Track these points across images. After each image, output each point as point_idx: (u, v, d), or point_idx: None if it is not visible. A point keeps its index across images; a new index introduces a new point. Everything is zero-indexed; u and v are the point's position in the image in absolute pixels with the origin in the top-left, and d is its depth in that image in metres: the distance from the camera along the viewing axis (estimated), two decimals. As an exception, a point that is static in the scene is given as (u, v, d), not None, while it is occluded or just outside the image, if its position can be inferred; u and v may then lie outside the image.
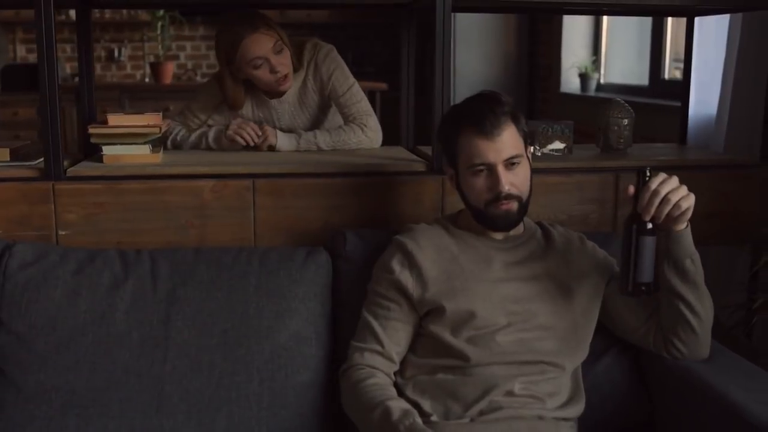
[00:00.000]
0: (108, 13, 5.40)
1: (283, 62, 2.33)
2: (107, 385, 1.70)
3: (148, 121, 2.12)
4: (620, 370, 1.83)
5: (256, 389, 1.73)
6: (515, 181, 1.67)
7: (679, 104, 3.37)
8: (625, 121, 2.35)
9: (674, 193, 1.58)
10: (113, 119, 2.11)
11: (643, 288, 1.62)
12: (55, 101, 1.95)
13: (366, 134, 2.38)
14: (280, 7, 2.83)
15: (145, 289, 1.80)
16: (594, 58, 4.98)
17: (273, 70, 2.32)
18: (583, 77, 4.92)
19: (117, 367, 1.72)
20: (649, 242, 1.61)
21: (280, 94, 2.44)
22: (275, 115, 2.47)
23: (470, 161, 1.68)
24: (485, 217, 1.71)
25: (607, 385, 1.80)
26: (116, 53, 5.90)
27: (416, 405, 1.63)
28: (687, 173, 2.20)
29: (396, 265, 1.72)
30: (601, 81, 4.97)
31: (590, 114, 2.37)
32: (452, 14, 2.09)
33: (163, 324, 1.76)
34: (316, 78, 2.44)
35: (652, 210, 1.58)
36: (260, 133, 2.31)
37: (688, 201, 1.59)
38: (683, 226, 1.63)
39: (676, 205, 1.58)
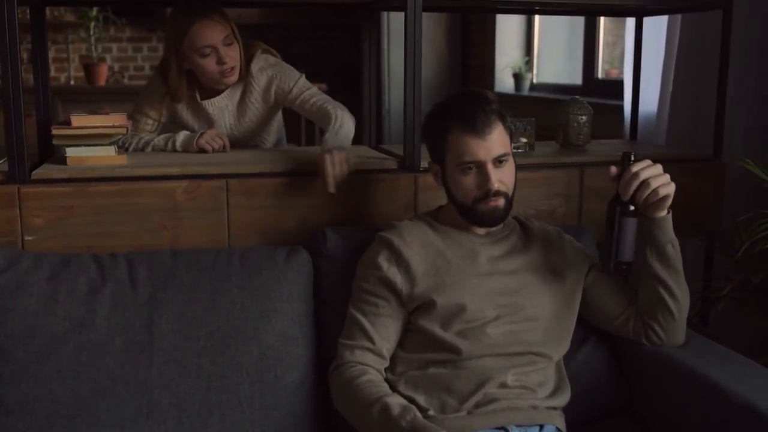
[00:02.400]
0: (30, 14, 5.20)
1: (232, 55, 2.25)
2: (93, 394, 1.65)
3: (114, 121, 2.06)
4: (599, 358, 1.88)
5: (247, 391, 1.71)
6: (503, 178, 1.71)
7: (613, 102, 3.52)
8: (584, 118, 2.42)
9: (655, 179, 1.65)
10: (77, 120, 2.04)
11: (624, 267, 1.68)
12: (19, 103, 1.88)
13: (344, 109, 2.18)
14: (241, 6, 2.82)
15: (124, 293, 1.76)
16: (527, 58, 5.09)
17: (220, 61, 2.23)
18: (517, 77, 5.01)
19: (102, 374, 1.67)
20: (630, 223, 1.67)
21: (216, 93, 2.34)
22: (209, 121, 2.37)
23: (460, 159, 1.69)
24: (473, 213, 1.73)
25: (588, 374, 1.85)
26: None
27: (411, 400, 1.64)
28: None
29: (383, 262, 1.73)
30: (534, 81, 5.08)
31: (525, 113, 2.42)
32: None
33: (146, 328, 1.72)
34: (254, 91, 2.34)
35: (630, 191, 1.64)
36: (228, 148, 2.22)
37: (668, 189, 1.66)
38: (664, 212, 1.70)
39: (654, 191, 1.65)
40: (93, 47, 5.14)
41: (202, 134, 2.27)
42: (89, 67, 5.11)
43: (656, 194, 1.65)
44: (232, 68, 2.26)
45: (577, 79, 4.73)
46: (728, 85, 2.38)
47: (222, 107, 2.36)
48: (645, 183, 1.64)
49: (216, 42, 2.22)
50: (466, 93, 1.77)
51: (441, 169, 1.76)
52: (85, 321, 1.71)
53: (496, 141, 1.68)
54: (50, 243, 1.90)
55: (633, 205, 1.66)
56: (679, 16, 3.02)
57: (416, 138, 2.10)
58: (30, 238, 1.90)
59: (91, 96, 4.91)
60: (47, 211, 1.91)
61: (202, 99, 2.35)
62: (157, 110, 2.37)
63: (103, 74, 5.09)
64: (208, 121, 2.37)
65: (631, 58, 3.35)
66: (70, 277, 1.75)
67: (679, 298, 1.75)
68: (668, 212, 1.71)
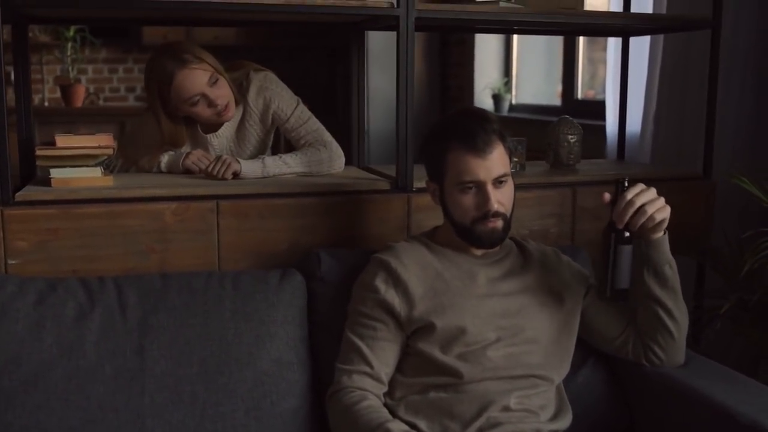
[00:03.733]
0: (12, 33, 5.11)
1: (221, 93, 2.17)
2: (83, 423, 1.59)
3: (99, 141, 2.01)
4: (599, 380, 1.85)
5: (242, 419, 1.66)
6: (502, 199, 1.68)
7: (593, 123, 3.53)
8: (575, 138, 2.41)
9: (650, 204, 1.62)
10: (61, 140, 1.99)
11: (621, 293, 1.66)
12: (2, 123, 1.83)
13: (332, 151, 2.22)
14: (221, 25, 2.79)
15: (114, 318, 1.70)
16: (506, 79, 5.11)
17: (212, 104, 2.16)
18: (497, 98, 5.03)
19: (91, 402, 1.61)
20: (626, 250, 1.65)
21: (218, 126, 2.29)
22: (212, 152, 2.31)
23: (459, 178, 1.67)
24: (471, 234, 1.70)
25: (588, 396, 1.82)
26: (12, 76, 5.60)
27: (412, 426, 1.60)
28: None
29: (380, 284, 1.69)
30: (513, 102, 5.09)
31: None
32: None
33: (137, 354, 1.67)
34: (252, 114, 2.28)
35: (626, 219, 1.61)
36: (219, 167, 2.13)
37: (663, 213, 1.64)
38: (660, 234, 1.68)
39: (651, 216, 1.62)
40: (70, 68, 5.06)
41: (188, 154, 2.22)
42: (66, 88, 5.01)
43: (652, 220, 1.62)
44: (226, 105, 2.19)
45: (554, 100, 4.76)
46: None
47: (227, 136, 2.30)
48: (641, 210, 1.61)
49: (202, 89, 2.14)
50: (466, 111, 1.74)
51: (439, 188, 1.73)
52: (73, 347, 1.65)
53: (496, 161, 1.66)
54: (34, 267, 1.85)
55: (628, 231, 1.63)
56: (661, 36, 3.04)
57: (408, 158, 2.08)
58: (13, 261, 1.84)
59: (66, 117, 4.82)
60: (32, 234, 1.85)
61: (205, 132, 2.28)
62: (150, 160, 2.26)
63: (80, 95, 5.01)
64: (210, 151, 2.30)
65: (612, 78, 3.39)
66: (57, 302, 1.70)
67: (678, 318, 1.73)
68: (664, 233, 1.69)
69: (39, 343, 1.64)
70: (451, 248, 1.76)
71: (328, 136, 2.26)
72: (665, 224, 1.67)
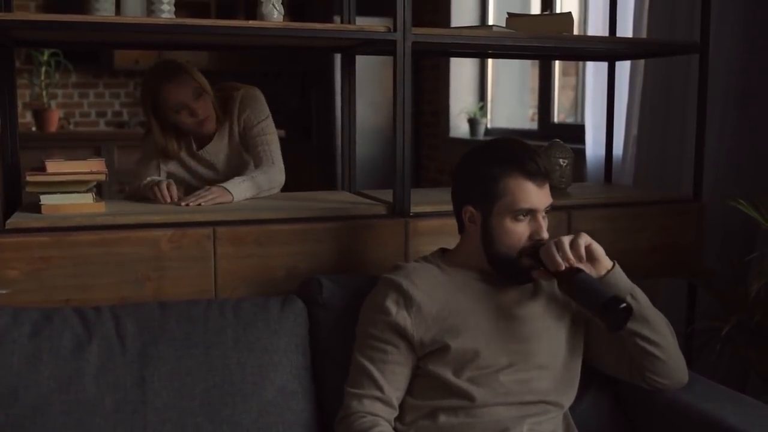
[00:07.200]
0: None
1: (203, 106, 2.38)
2: (84, 459, 1.54)
3: (91, 167, 1.98)
4: (605, 404, 1.84)
5: (248, 452, 1.62)
6: (546, 231, 1.68)
7: (571, 146, 3.55)
8: (566, 162, 2.42)
9: (561, 238, 1.61)
10: (52, 166, 1.95)
11: (618, 302, 1.53)
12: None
13: (278, 170, 2.36)
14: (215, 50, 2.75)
15: (112, 349, 1.65)
16: (481, 103, 5.13)
17: (193, 114, 2.37)
18: (472, 122, 5.05)
19: (92, 437, 1.56)
20: (582, 276, 1.58)
21: (208, 139, 2.44)
22: (212, 163, 2.47)
23: (517, 206, 1.63)
24: (514, 267, 1.66)
25: (594, 421, 1.81)
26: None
27: (423, 453, 1.57)
28: (631, 209, 2.31)
29: (391, 306, 1.65)
30: (489, 126, 5.12)
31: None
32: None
33: (137, 387, 1.62)
34: (238, 123, 2.46)
35: (557, 259, 1.58)
36: (177, 199, 2.16)
37: (580, 239, 1.61)
38: (606, 265, 1.64)
39: (575, 243, 1.60)
40: (44, 93, 4.97)
41: (158, 183, 2.23)
42: (40, 113, 4.92)
43: (576, 243, 1.60)
44: (207, 118, 2.40)
45: (526, 124, 4.79)
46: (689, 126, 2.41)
47: (217, 151, 2.46)
48: (559, 243, 1.59)
49: (185, 100, 2.35)
50: (511, 140, 1.72)
51: (483, 214, 1.68)
52: (71, 380, 1.60)
53: (548, 191, 1.67)
54: (26, 296, 1.79)
55: (571, 269, 1.59)
56: (642, 62, 3.07)
57: (406, 183, 2.06)
58: (4, 291, 1.78)
59: (39, 143, 4.73)
60: (23, 263, 1.80)
61: (198, 149, 2.46)
62: (155, 173, 2.43)
63: (54, 120, 4.92)
64: (210, 168, 2.47)
65: (591, 102, 3.42)
66: (54, 333, 1.65)
67: (660, 342, 1.67)
68: (613, 265, 1.65)
69: (36, 375, 1.59)
70: (464, 269, 1.74)
71: (279, 155, 2.40)
72: (598, 252, 1.63)
